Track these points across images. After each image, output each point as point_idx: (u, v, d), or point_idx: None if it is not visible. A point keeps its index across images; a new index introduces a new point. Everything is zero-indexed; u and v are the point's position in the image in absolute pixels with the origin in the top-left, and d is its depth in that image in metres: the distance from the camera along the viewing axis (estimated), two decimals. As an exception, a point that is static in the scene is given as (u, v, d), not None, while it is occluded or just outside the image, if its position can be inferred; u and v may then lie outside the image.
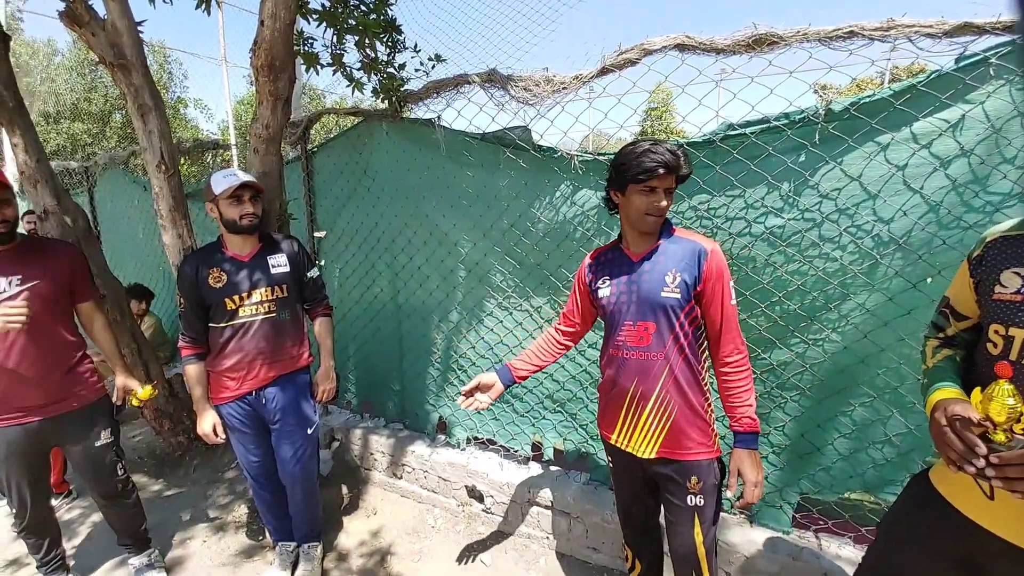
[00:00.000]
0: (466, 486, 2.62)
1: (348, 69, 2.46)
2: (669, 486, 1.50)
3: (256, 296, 1.94)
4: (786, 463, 1.95)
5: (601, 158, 1.99)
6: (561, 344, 1.74)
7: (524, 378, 1.73)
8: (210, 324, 1.97)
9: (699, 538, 1.47)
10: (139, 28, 2.14)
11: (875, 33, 1.50)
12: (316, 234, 3.14)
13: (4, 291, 1.72)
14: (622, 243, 1.54)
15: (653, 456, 1.48)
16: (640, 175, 1.34)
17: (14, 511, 1.91)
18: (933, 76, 1.45)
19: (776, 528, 1.98)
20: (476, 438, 2.75)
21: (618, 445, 1.56)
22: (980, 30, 1.40)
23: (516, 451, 2.59)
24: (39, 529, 1.97)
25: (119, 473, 2.05)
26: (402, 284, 2.82)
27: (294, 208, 2.84)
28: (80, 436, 1.93)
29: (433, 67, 2.52)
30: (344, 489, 2.91)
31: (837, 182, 1.63)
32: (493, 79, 2.08)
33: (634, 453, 1.52)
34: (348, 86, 2.48)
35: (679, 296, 1.40)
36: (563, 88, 1.93)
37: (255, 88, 2.17)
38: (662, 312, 1.42)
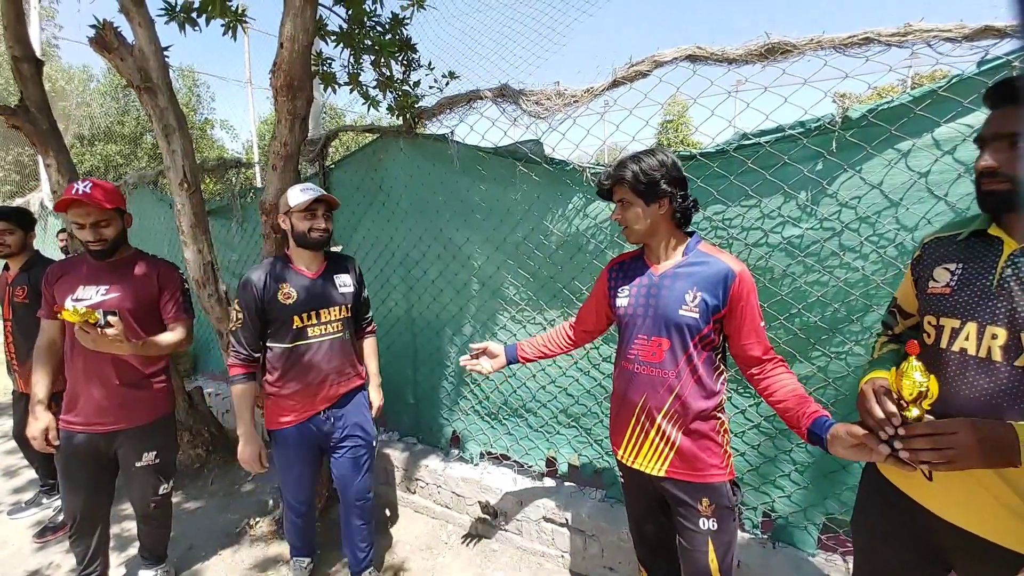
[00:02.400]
0: (479, 502, 2.59)
1: (364, 88, 2.52)
2: (681, 509, 1.44)
3: (325, 315, 1.91)
4: (811, 482, 1.87)
5: (613, 170, 1.98)
6: (570, 339, 1.76)
7: (528, 360, 1.78)
8: (270, 344, 1.88)
9: (714, 564, 1.41)
10: (165, 53, 2.24)
11: (892, 39, 1.48)
12: (332, 249, 3.18)
13: (88, 299, 1.83)
14: (645, 254, 1.51)
15: (662, 474, 1.44)
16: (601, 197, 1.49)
17: (63, 511, 2.00)
18: (955, 80, 1.41)
19: (801, 549, 1.90)
20: (490, 453, 2.72)
21: (625, 461, 1.53)
22: (1001, 33, 1.36)
23: (530, 466, 2.55)
24: (83, 535, 1.98)
25: (156, 493, 2.05)
26: (416, 298, 2.84)
27: (311, 223, 2.90)
28: (127, 455, 1.96)
29: (447, 83, 2.56)
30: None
31: (857, 190, 1.59)
32: (505, 94, 2.10)
33: (642, 470, 1.48)
34: (364, 103, 2.54)
35: (697, 316, 1.35)
36: (574, 101, 1.94)
37: (275, 108, 2.23)
38: (677, 330, 1.37)
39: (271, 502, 2.84)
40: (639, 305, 1.45)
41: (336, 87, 2.58)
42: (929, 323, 1.08)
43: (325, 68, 2.64)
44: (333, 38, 2.42)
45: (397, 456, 2.90)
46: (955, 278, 1.05)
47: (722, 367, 1.45)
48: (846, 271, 1.65)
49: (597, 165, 2.04)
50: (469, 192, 2.45)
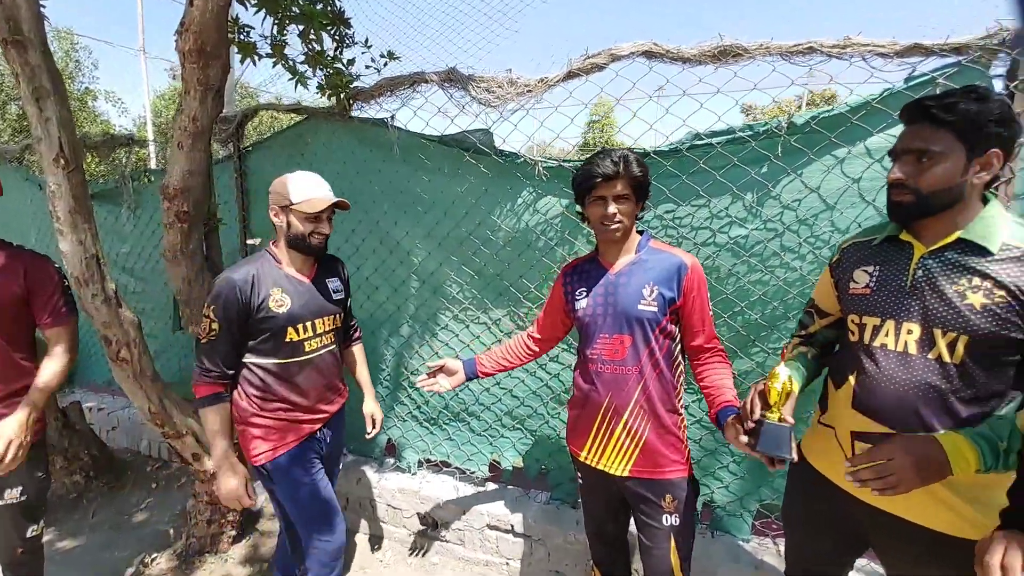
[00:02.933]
0: (418, 513, 2.43)
1: (291, 61, 2.25)
2: (643, 507, 1.45)
3: (320, 325, 1.64)
4: (747, 472, 1.95)
5: (566, 165, 1.93)
6: (531, 350, 1.70)
7: (488, 374, 1.70)
8: (252, 361, 1.55)
9: (675, 560, 1.42)
10: (41, 2, 1.83)
11: (832, 50, 1.55)
12: (250, 241, 2.85)
13: None
14: (599, 255, 1.51)
15: (626, 474, 1.44)
16: (584, 187, 1.37)
17: None
18: (886, 93, 1.52)
19: (736, 536, 1.97)
20: (428, 460, 2.57)
21: (589, 463, 1.50)
22: (928, 51, 1.47)
23: (472, 472, 2.44)
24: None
25: (24, 537, 1.66)
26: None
27: (224, 213, 2.56)
28: None
29: (385, 64, 2.36)
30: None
31: (798, 193, 1.66)
32: (453, 79, 1.97)
33: (606, 471, 1.46)
34: (290, 79, 2.27)
35: (655, 310, 1.38)
36: (528, 91, 1.85)
37: (182, 76, 1.92)
38: (638, 325, 1.39)
39: (172, 532, 2.47)
40: (598, 305, 1.45)
41: (256, 59, 2.28)
42: (853, 321, 1.16)
43: (243, 37, 2.33)
44: (253, 2, 2.14)
45: (325, 469, 2.65)
46: (873, 279, 1.13)
47: (680, 360, 1.47)
48: (785, 271, 1.73)
49: (549, 159, 1.97)
50: (410, 183, 2.29)
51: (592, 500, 1.62)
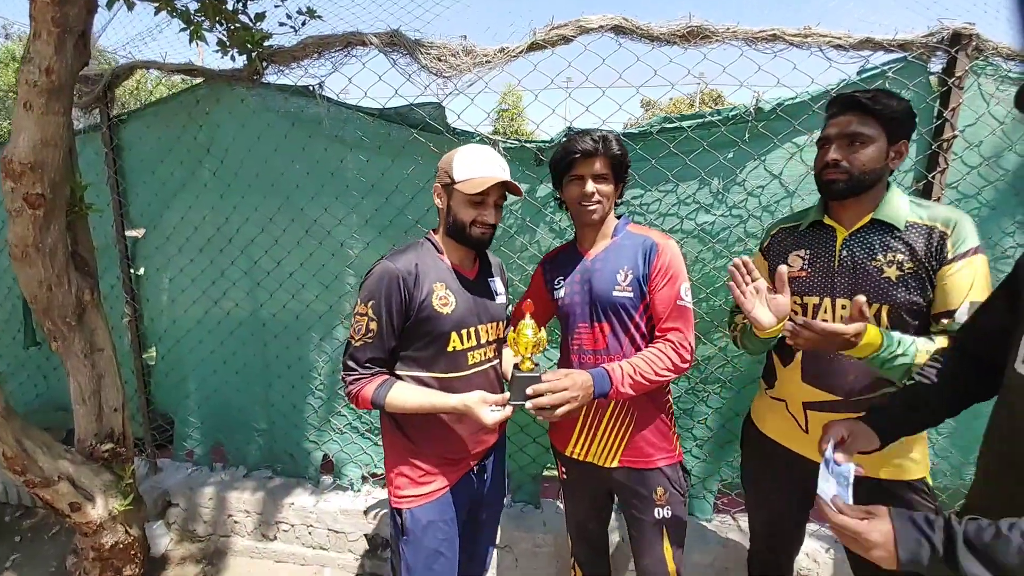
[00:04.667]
0: (365, 535, 2.18)
1: (183, 8, 1.81)
2: (634, 500, 1.39)
3: (484, 333, 1.33)
4: (709, 454, 1.99)
5: (528, 145, 1.78)
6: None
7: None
8: (404, 372, 1.27)
9: (668, 553, 1.38)
10: None
11: (795, 39, 1.57)
12: (129, 233, 2.32)
13: None
14: (576, 241, 1.43)
15: (615, 464, 1.37)
16: (562, 165, 1.31)
17: None
18: (843, 84, 1.57)
19: (700, 517, 2.02)
20: (374, 475, 2.31)
21: (576, 457, 1.42)
22: (878, 45, 1.54)
23: (426, 483, 2.24)
24: None
25: None
26: (267, 296, 2.23)
27: (92, 196, 2.03)
28: None
29: (304, 23, 2.01)
30: (192, 570, 2.19)
31: (762, 180, 1.68)
32: (397, 42, 1.70)
33: (595, 463, 1.40)
34: (182, 30, 1.83)
35: (631, 295, 1.31)
36: (486, 62, 1.66)
37: (30, 14, 1.44)
38: (615, 312, 1.32)
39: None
40: (575, 293, 1.38)
41: (131, 2, 1.80)
42: (795, 302, 1.25)
43: (110, -28, 1.83)
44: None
45: (246, 498, 2.28)
46: (806, 262, 1.25)
47: None
48: (751, 257, 1.75)
49: (508, 139, 1.80)
50: (344, 163, 1.98)
51: (576, 496, 1.53)
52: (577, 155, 1.26)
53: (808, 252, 1.25)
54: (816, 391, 1.23)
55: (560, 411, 1.14)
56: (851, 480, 0.90)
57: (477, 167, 1.21)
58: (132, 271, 2.35)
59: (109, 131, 2.20)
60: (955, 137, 1.55)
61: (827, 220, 1.23)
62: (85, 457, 1.91)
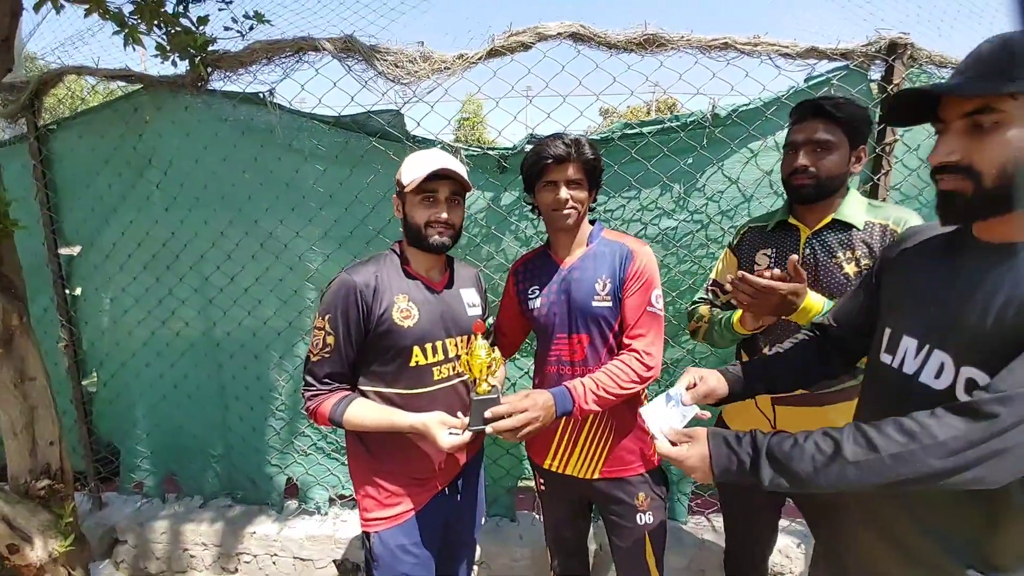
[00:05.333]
0: (334, 560, 2.09)
1: (115, 9, 1.69)
2: (615, 508, 1.37)
3: (453, 347, 1.28)
4: (679, 456, 2.01)
5: (491, 152, 1.76)
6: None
7: None
8: (371, 389, 1.23)
9: (651, 559, 1.37)
10: None
11: (745, 47, 1.62)
12: (63, 251, 2.15)
13: None
14: (550, 249, 1.39)
15: (596, 476, 1.35)
16: (534, 170, 1.27)
17: None
18: (791, 91, 1.63)
19: (676, 520, 2.03)
20: (342, 496, 2.22)
21: (554, 469, 1.39)
22: (823, 54, 1.61)
23: (396, 501, 2.16)
24: None
25: None
26: (219, 314, 2.11)
27: (16, 211, 1.87)
28: None
29: (251, 28, 1.92)
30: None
31: (720, 185, 1.72)
32: (352, 48, 1.65)
33: (574, 476, 1.37)
34: (115, 34, 1.71)
35: (610, 304, 1.29)
36: (445, 68, 1.63)
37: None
38: (594, 323, 1.30)
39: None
40: (552, 303, 1.34)
41: (59, 4, 1.67)
42: None
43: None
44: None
45: (203, 530, 2.14)
46: (772, 260, 1.31)
47: None
48: (712, 260, 1.79)
49: (470, 146, 1.78)
50: (299, 173, 1.90)
51: (554, 506, 1.51)
52: (549, 160, 1.23)
53: (774, 250, 1.31)
54: None
55: (522, 433, 1.11)
56: (687, 422, 0.98)
57: (424, 167, 1.19)
58: (68, 292, 2.18)
59: (37, 142, 2.03)
60: (895, 141, 1.63)
61: (791, 220, 1.30)
62: (20, 496, 1.75)
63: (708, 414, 1.04)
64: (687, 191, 1.73)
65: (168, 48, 1.82)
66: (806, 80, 1.64)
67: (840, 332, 1.00)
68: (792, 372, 1.06)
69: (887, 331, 0.83)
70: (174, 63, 1.86)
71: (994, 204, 0.68)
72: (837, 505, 0.94)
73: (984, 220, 0.72)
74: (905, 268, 0.86)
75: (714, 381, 1.03)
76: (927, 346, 0.75)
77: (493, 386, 1.13)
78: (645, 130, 1.67)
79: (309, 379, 1.21)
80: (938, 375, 0.73)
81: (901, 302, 0.83)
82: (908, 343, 0.78)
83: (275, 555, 2.11)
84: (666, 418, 0.97)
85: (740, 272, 1.12)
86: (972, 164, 0.67)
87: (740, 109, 1.64)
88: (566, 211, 1.27)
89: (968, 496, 0.69)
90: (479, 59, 1.64)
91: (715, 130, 1.66)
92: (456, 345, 1.29)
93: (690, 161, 1.71)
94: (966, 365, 0.69)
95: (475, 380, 1.12)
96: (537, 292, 1.36)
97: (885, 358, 0.82)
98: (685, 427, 0.93)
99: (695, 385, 1.03)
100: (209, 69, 1.81)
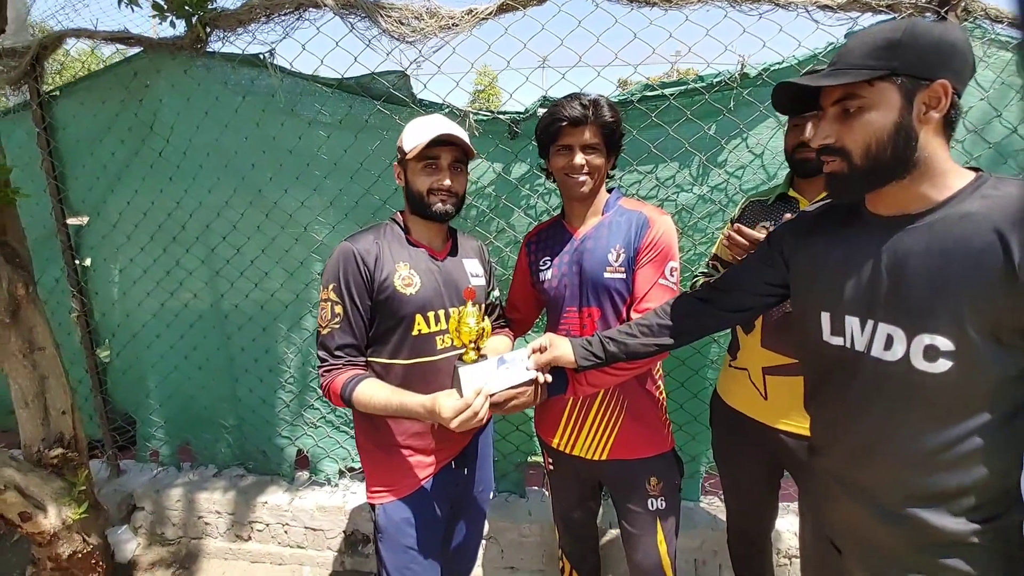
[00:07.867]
0: (344, 532, 2.10)
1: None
2: (625, 492, 1.32)
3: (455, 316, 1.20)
4: (695, 436, 1.95)
5: (502, 117, 1.67)
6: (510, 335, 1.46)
7: None
8: (373, 359, 1.20)
9: (663, 546, 1.32)
10: None
11: (781, -1, 1.47)
12: (71, 221, 2.14)
13: None
14: (564, 218, 1.31)
15: (604, 458, 1.30)
16: (547, 134, 1.20)
17: None
18: (830, 48, 1.49)
19: (690, 500, 1.99)
20: (352, 469, 2.23)
21: (562, 449, 1.34)
22: (866, 6, 1.46)
23: (406, 475, 2.16)
24: None
25: None
26: (227, 286, 2.08)
27: (22, 180, 1.85)
28: None
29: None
30: (162, 574, 2.09)
31: (746, 157, 1.60)
32: (354, 4, 1.55)
33: (583, 456, 1.32)
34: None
35: (624, 276, 1.21)
36: (453, 25, 1.53)
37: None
38: (606, 295, 1.23)
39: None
40: (564, 275, 1.27)
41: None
42: None
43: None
44: None
45: (217, 498, 2.17)
46: None
47: None
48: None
49: (480, 111, 1.68)
50: (302, 140, 1.83)
51: (562, 487, 1.47)
52: (564, 122, 1.14)
53: (773, 223, 1.28)
54: (774, 355, 1.27)
55: (509, 406, 1.09)
56: (513, 384, 1.05)
57: (425, 133, 1.14)
58: (77, 262, 2.17)
59: (40, 109, 1.99)
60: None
61: (791, 192, 1.30)
62: (33, 464, 1.78)
63: (544, 377, 1.08)
64: (710, 159, 1.62)
65: (165, 7, 1.75)
66: (847, 36, 1.49)
67: (727, 298, 1.03)
68: (641, 346, 1.07)
69: (825, 315, 0.85)
70: (172, 24, 1.79)
71: (868, 180, 0.76)
72: (813, 466, 0.97)
73: (868, 194, 0.79)
74: (816, 250, 0.88)
75: (562, 349, 1.08)
76: (869, 321, 0.78)
77: (482, 355, 1.09)
78: (667, 91, 1.55)
79: (322, 354, 1.17)
80: (887, 347, 0.75)
81: (831, 285, 0.84)
82: (851, 322, 0.81)
83: (286, 524, 2.13)
84: (492, 379, 1.03)
85: (736, 224, 1.13)
86: (844, 145, 0.75)
87: (772, 68, 1.51)
88: (581, 177, 1.18)
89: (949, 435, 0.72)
90: (490, 14, 1.54)
91: (743, 91, 1.53)
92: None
93: (713, 129, 1.59)
94: (921, 333, 0.71)
95: (464, 348, 1.08)
96: (548, 263, 1.29)
97: (835, 340, 0.84)
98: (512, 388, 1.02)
99: (544, 349, 1.07)
100: (208, 29, 1.73)
